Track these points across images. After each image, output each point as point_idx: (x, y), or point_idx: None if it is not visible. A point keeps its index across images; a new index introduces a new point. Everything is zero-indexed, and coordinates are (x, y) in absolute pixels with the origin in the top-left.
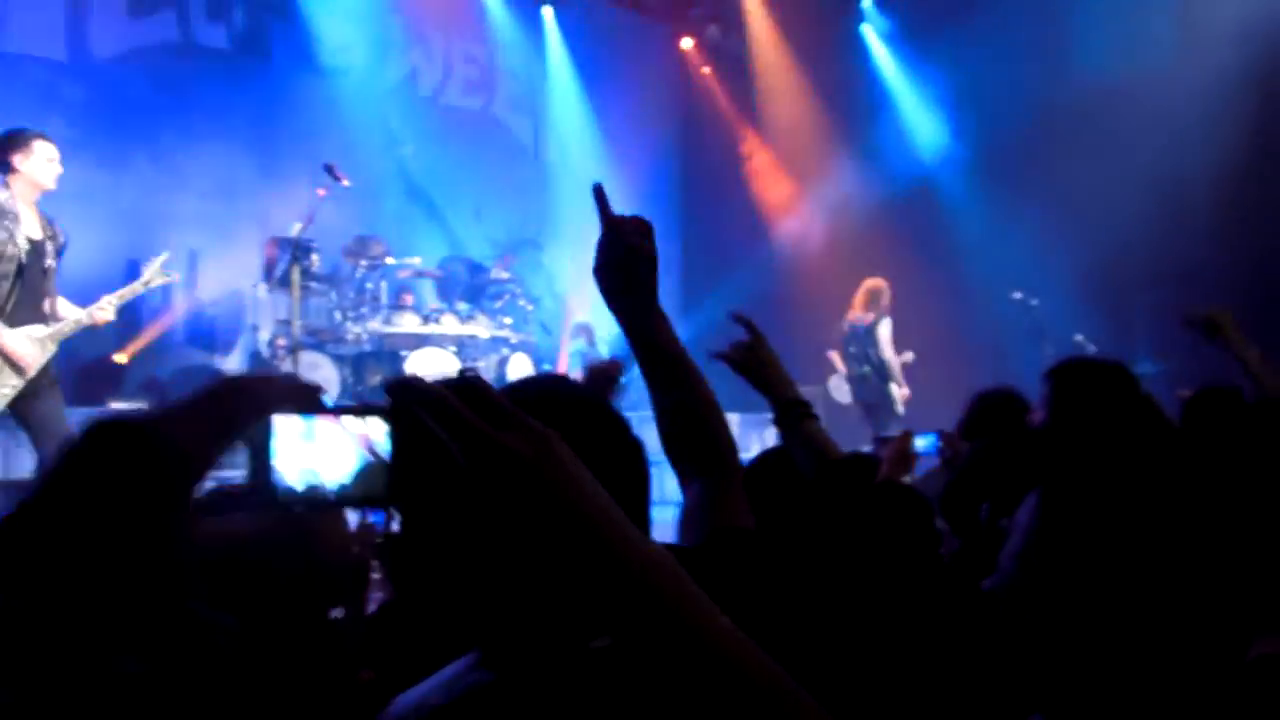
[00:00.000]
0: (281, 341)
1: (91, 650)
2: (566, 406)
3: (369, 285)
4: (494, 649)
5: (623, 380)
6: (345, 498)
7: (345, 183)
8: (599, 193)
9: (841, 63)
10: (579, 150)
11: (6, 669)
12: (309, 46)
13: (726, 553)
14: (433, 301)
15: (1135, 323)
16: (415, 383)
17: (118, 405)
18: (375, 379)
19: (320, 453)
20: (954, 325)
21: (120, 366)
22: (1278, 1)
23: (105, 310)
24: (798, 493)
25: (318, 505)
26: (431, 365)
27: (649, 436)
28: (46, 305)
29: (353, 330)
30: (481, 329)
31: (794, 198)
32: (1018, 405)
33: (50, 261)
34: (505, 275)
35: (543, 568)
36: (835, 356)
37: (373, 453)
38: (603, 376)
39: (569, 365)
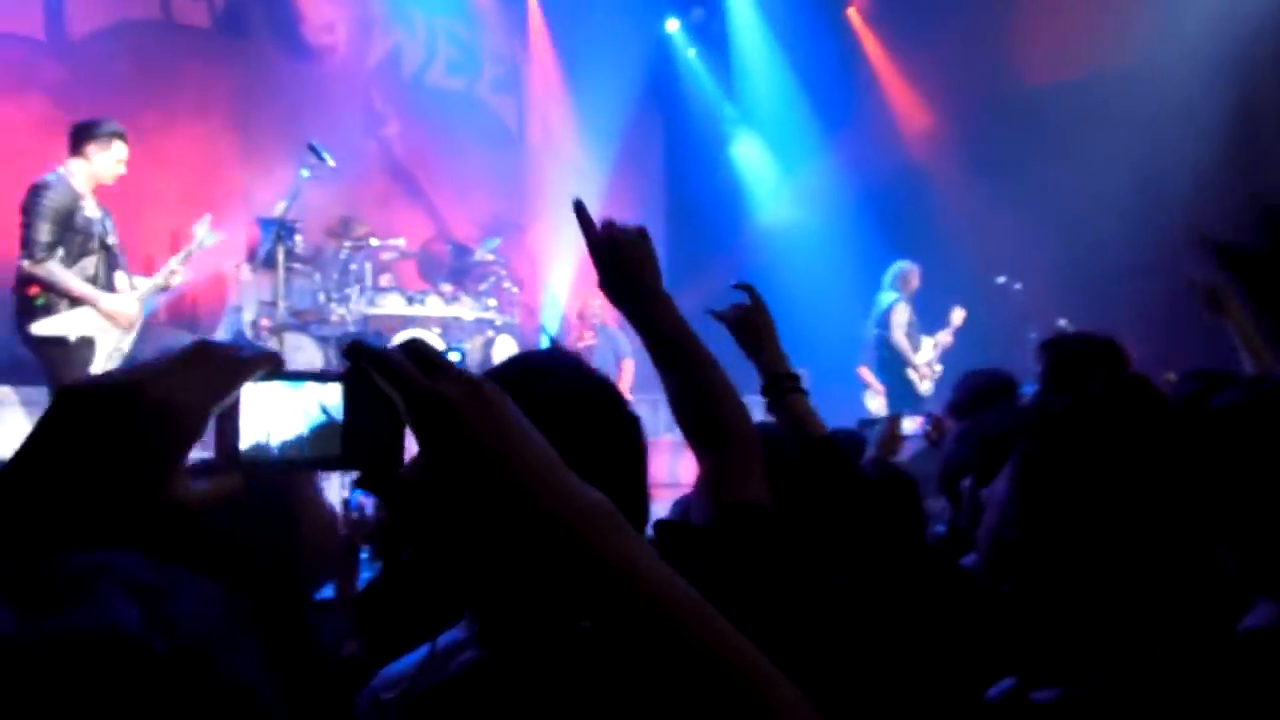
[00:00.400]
0: (265, 323)
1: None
2: (564, 381)
3: (353, 266)
4: (488, 626)
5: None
6: (304, 460)
7: (330, 162)
8: (580, 210)
9: (826, 47)
10: (563, 132)
11: None
12: (291, 25)
13: (737, 528)
14: (416, 283)
15: (1117, 308)
16: (364, 342)
17: None
18: None
19: (280, 418)
20: (940, 309)
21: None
22: None
23: (177, 273)
24: (780, 468)
25: (282, 469)
26: None
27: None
28: (121, 280)
29: (337, 311)
30: (466, 311)
31: (779, 181)
32: (1007, 384)
33: (113, 240)
34: (490, 257)
35: (526, 541)
36: (865, 373)
37: (328, 414)
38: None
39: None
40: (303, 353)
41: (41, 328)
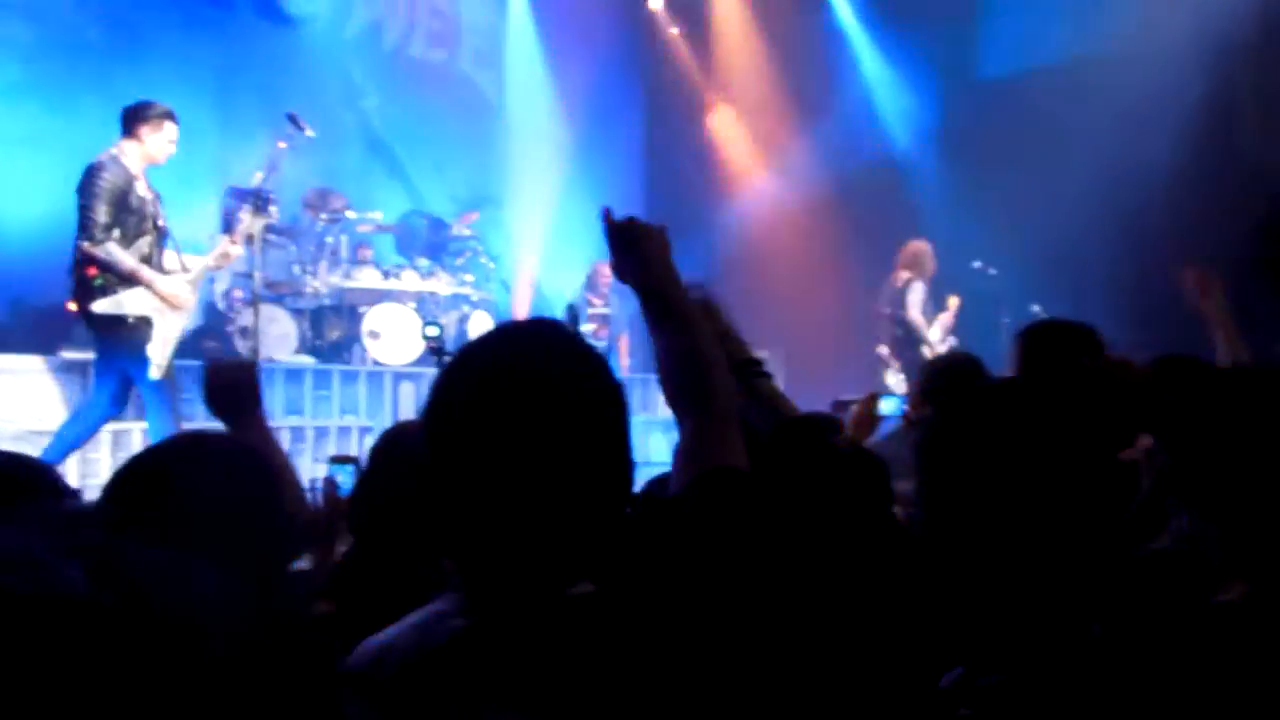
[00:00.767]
0: (239, 294)
1: None
2: (558, 348)
3: (329, 239)
4: (475, 594)
5: None
6: None
7: (309, 133)
8: (607, 215)
9: (808, 28)
10: (543, 108)
11: None
12: None
13: (714, 493)
14: (393, 257)
15: (1090, 295)
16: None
17: (69, 354)
18: (334, 334)
19: None
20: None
21: (73, 315)
22: None
23: (229, 254)
24: (751, 451)
25: None
26: (391, 321)
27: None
28: (171, 260)
29: (311, 284)
30: (442, 285)
31: (759, 163)
32: (974, 368)
33: (164, 222)
34: (467, 232)
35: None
36: (884, 350)
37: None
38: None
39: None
40: (277, 324)
41: (102, 307)
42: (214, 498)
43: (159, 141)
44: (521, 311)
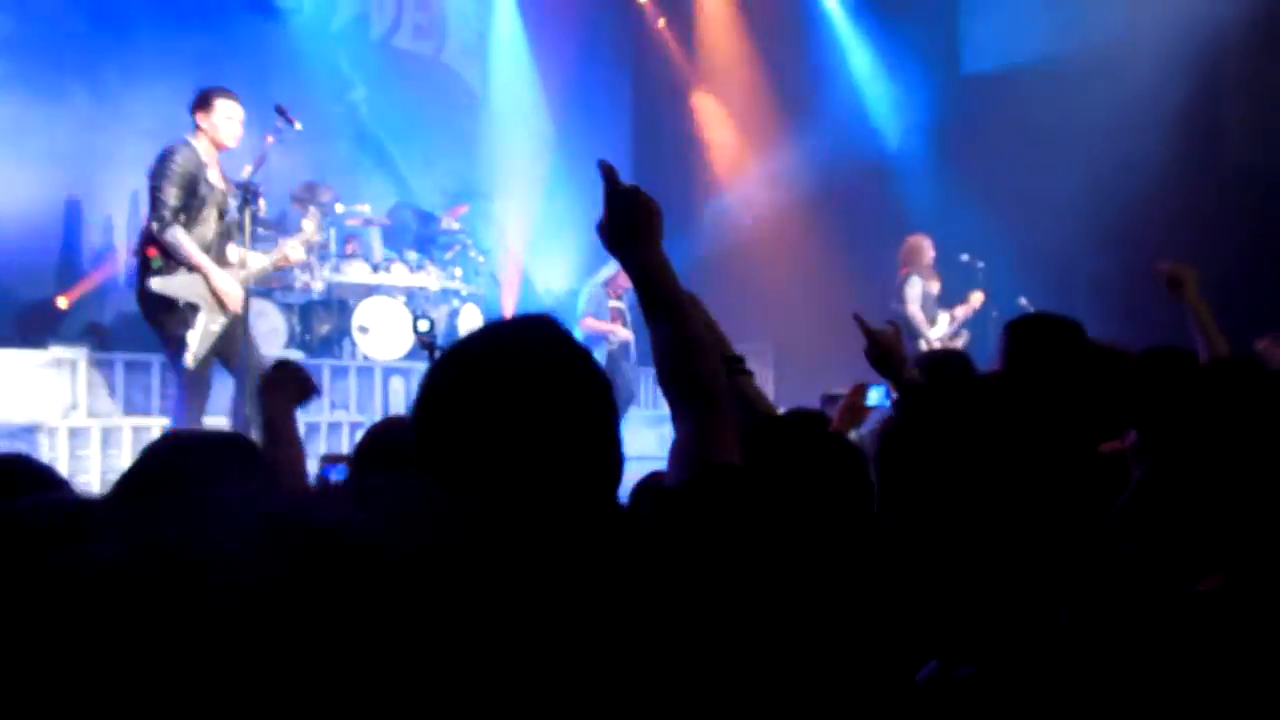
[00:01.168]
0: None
1: None
2: (547, 343)
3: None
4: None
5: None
6: None
7: (297, 125)
8: (606, 166)
9: (794, 22)
10: (530, 101)
11: None
12: None
13: (711, 490)
14: (381, 250)
15: (1077, 288)
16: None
17: (58, 349)
18: (323, 328)
19: None
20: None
21: (61, 311)
22: None
23: (289, 259)
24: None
25: None
26: (381, 316)
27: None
28: (232, 253)
29: (300, 278)
30: (431, 280)
31: (746, 158)
32: (964, 363)
33: (234, 213)
34: (456, 226)
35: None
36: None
37: None
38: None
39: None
40: (265, 319)
41: (155, 285)
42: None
43: (219, 122)
44: (510, 304)
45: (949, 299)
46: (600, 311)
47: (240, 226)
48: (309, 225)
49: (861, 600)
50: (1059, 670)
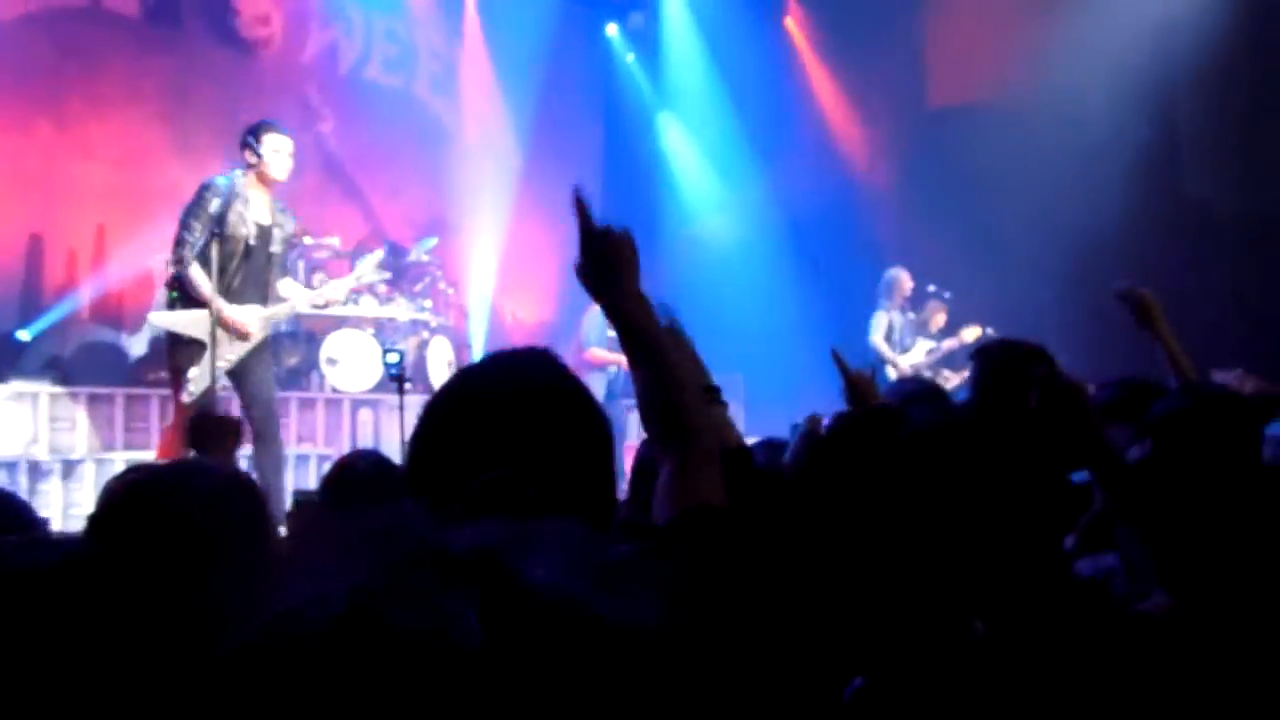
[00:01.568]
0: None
1: None
2: (550, 372)
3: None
4: None
5: None
6: None
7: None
8: (579, 198)
9: (763, 56)
10: (500, 134)
11: None
12: (225, 17)
13: (694, 530)
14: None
15: (1040, 319)
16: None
17: (20, 383)
18: (291, 360)
19: None
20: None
21: (23, 343)
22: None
23: (331, 301)
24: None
25: None
26: (349, 348)
27: None
28: (269, 289)
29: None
30: (401, 312)
31: (717, 192)
32: (936, 393)
33: (276, 248)
34: (425, 258)
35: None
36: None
37: None
38: None
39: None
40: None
41: (157, 318)
42: (205, 526)
43: (265, 156)
44: (479, 337)
45: (928, 330)
46: (603, 340)
47: (274, 262)
48: (363, 266)
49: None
50: (974, 677)
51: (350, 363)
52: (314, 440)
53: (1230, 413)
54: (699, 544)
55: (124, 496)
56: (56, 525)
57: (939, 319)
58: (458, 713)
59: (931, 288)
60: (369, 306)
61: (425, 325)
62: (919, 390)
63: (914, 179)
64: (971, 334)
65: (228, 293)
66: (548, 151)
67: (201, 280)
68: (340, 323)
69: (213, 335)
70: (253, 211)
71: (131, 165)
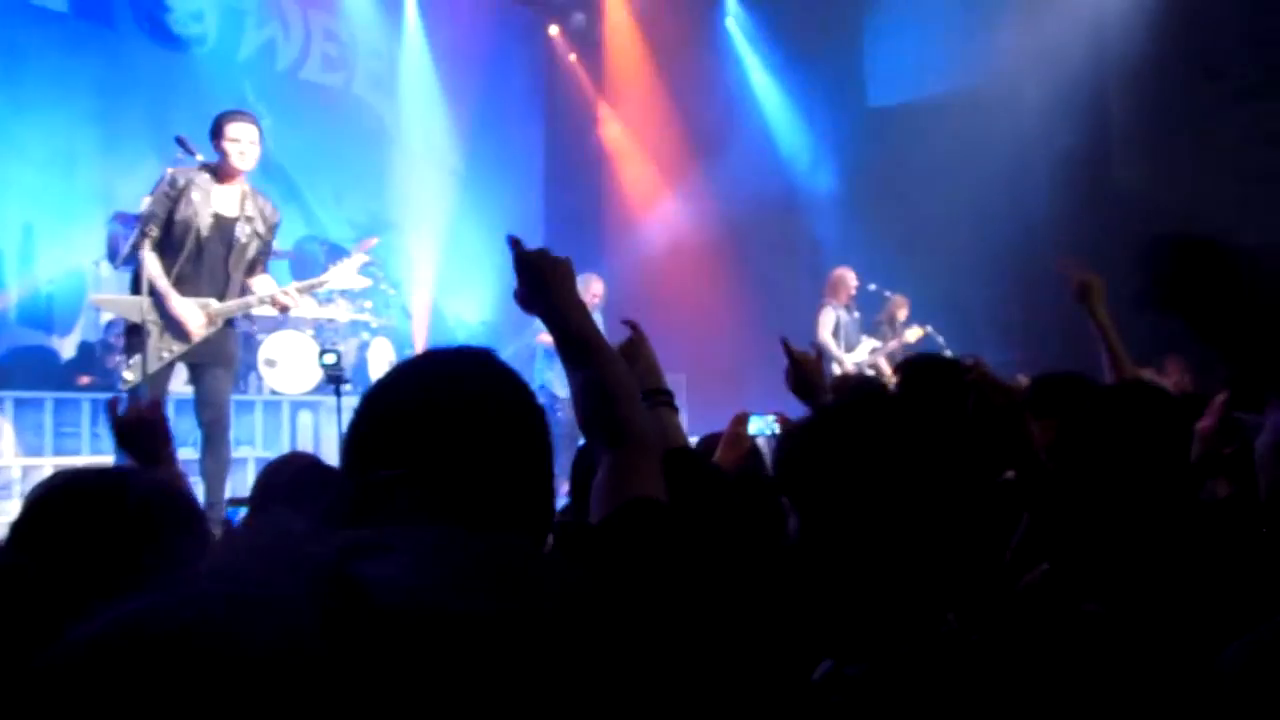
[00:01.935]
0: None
1: None
2: (488, 373)
3: None
4: None
5: None
6: None
7: (199, 157)
8: (514, 240)
9: (704, 56)
10: (440, 133)
11: None
12: (157, 14)
13: (632, 525)
14: (289, 283)
15: (978, 316)
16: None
17: None
18: None
19: None
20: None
21: None
22: (1108, 17)
23: (290, 296)
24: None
25: None
26: (288, 349)
27: None
28: (229, 283)
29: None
30: (341, 313)
31: (659, 193)
32: (873, 387)
33: (243, 240)
34: (366, 258)
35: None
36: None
37: None
38: None
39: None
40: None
41: (96, 298)
42: (128, 534)
43: (227, 146)
44: (421, 337)
45: (863, 326)
46: None
47: (231, 252)
48: (336, 271)
49: (767, 612)
50: (944, 668)
51: (289, 364)
52: (252, 443)
53: (1156, 409)
54: (637, 536)
55: (48, 503)
56: None
57: (902, 313)
58: (296, 713)
59: (872, 286)
60: (308, 307)
61: (366, 326)
62: (858, 388)
63: (854, 178)
64: (914, 335)
65: (175, 284)
66: (489, 151)
67: (149, 265)
68: (279, 324)
69: (154, 324)
70: (212, 203)
71: (58, 165)
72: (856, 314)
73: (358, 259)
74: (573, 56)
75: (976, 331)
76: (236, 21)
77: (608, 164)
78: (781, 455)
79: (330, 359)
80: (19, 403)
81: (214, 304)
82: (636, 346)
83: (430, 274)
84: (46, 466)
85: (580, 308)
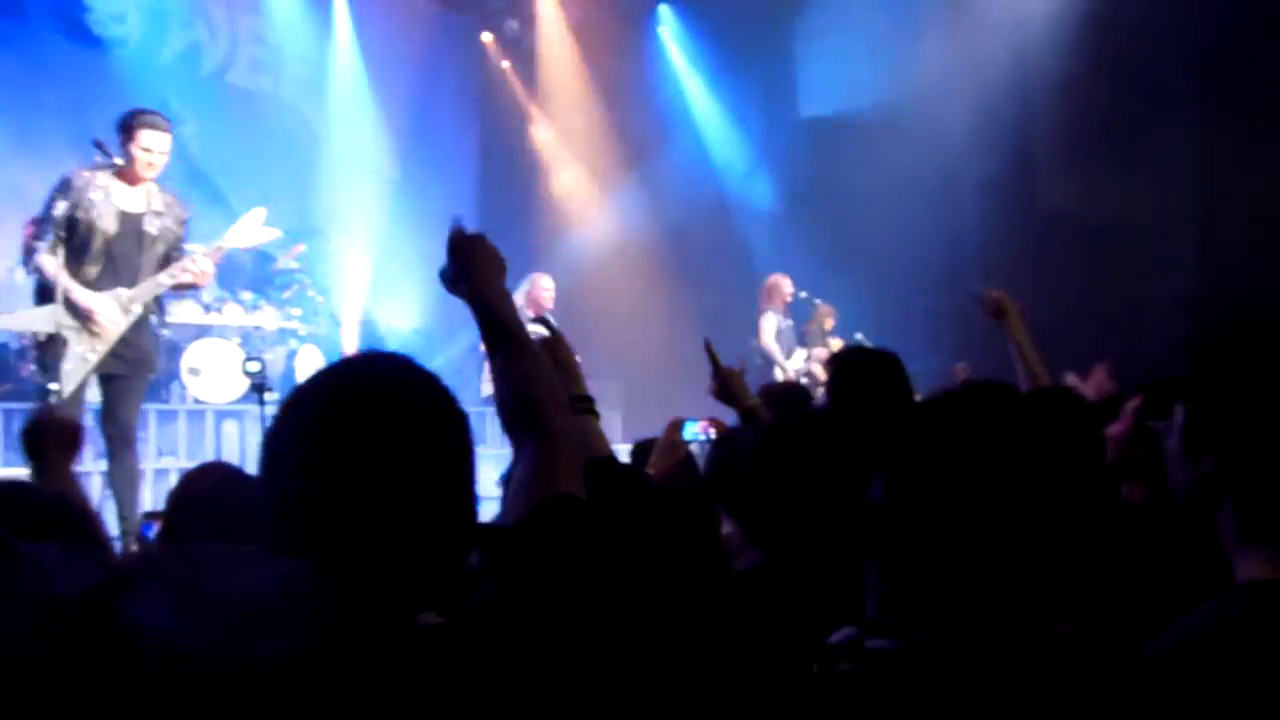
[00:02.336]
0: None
1: None
2: (410, 379)
3: None
4: None
5: None
6: None
7: (117, 160)
8: (455, 226)
9: (638, 64)
10: (370, 138)
11: None
12: (76, 12)
13: (552, 523)
14: (214, 290)
15: (911, 325)
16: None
17: None
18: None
19: None
20: (751, 323)
21: None
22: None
23: (189, 273)
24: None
25: None
26: (213, 358)
27: None
28: (140, 276)
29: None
30: (268, 320)
31: (593, 197)
32: (803, 393)
33: (152, 233)
34: (294, 265)
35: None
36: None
37: None
38: None
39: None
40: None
41: (3, 322)
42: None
43: (136, 151)
44: (351, 345)
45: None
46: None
47: (143, 246)
48: (234, 230)
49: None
50: (971, 672)
51: (213, 373)
52: (175, 453)
53: (1068, 412)
54: (558, 535)
55: None
56: None
57: (829, 322)
58: None
59: (804, 294)
60: (234, 315)
61: (294, 334)
62: (785, 393)
63: (787, 187)
64: (838, 346)
65: (88, 287)
66: (422, 157)
67: (46, 264)
68: (203, 331)
69: (70, 328)
70: (116, 201)
71: None
72: (791, 321)
73: (258, 213)
74: (506, 64)
75: (907, 340)
76: (160, 23)
77: (542, 171)
78: (716, 464)
79: (254, 366)
80: None
81: (124, 292)
82: (553, 347)
83: (362, 280)
84: None
85: (504, 295)
